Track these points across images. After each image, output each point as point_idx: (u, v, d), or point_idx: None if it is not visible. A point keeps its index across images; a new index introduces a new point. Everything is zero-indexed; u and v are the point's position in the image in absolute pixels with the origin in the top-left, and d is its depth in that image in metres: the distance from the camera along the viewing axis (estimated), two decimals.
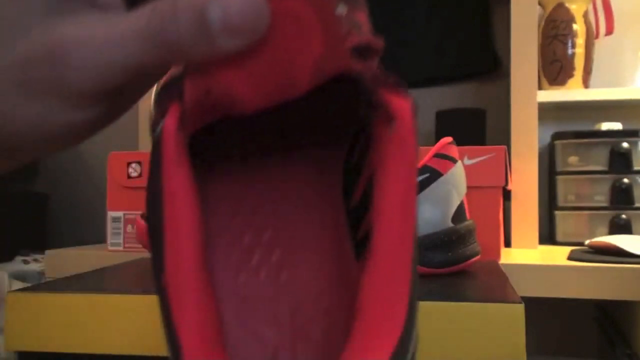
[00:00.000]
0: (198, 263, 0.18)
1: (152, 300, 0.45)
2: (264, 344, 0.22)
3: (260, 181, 0.25)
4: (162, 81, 0.22)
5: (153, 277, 0.19)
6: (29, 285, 0.85)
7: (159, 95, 0.20)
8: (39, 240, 1.30)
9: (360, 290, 0.18)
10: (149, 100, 1.04)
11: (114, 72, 0.19)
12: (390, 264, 0.18)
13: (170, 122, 0.18)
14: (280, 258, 0.24)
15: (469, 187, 0.63)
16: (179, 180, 0.18)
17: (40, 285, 0.50)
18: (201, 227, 0.18)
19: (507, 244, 0.89)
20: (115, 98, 0.21)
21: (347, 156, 0.25)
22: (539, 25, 1.01)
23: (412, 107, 0.19)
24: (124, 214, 0.84)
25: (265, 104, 0.19)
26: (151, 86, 0.23)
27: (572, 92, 0.98)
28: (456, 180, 0.59)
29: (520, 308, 0.42)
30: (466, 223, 0.59)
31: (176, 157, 0.18)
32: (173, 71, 0.21)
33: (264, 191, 0.25)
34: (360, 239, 0.23)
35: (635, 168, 0.93)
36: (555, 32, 0.99)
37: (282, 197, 0.25)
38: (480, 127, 1.01)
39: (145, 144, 1.04)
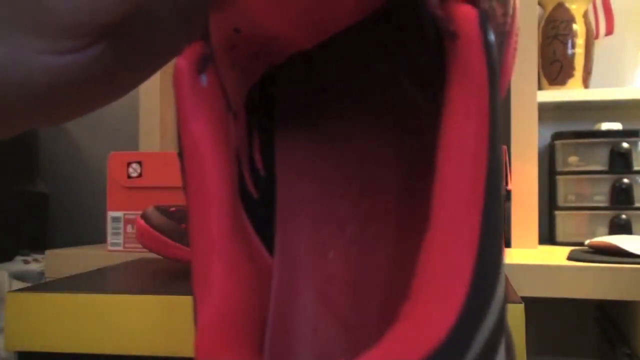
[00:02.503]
0: (224, 235, 0.15)
1: (152, 300, 0.45)
2: (347, 329, 0.19)
3: (360, 141, 0.21)
4: None
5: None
6: (29, 285, 0.85)
7: None
8: (39, 240, 1.30)
9: (416, 266, 0.14)
10: (148, 99, 1.04)
11: (110, 1, 0.15)
12: (446, 232, 0.13)
13: (182, 61, 0.15)
14: (376, 231, 0.20)
15: None
16: (197, 130, 0.15)
17: (40, 285, 0.50)
18: (230, 182, 0.15)
19: (507, 244, 0.89)
20: (114, 40, 0.17)
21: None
22: (539, 25, 1.01)
23: (479, 17, 0.13)
24: (124, 214, 0.84)
25: (312, 36, 0.16)
26: (169, 33, 0.19)
27: (572, 92, 0.98)
28: None
29: (520, 308, 0.41)
30: None
31: (192, 103, 0.15)
32: None
33: (363, 152, 0.21)
34: None
35: (635, 168, 0.93)
36: (555, 32, 0.99)
37: (384, 159, 0.21)
38: None
39: (145, 144, 1.04)
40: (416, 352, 0.12)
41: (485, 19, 0.13)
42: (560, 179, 0.97)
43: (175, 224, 0.56)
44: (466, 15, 0.14)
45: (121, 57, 0.18)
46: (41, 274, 1.11)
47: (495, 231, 0.14)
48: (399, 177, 0.21)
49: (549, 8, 1.01)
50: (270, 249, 0.20)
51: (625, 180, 0.93)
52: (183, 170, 0.15)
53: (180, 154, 0.15)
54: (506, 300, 0.14)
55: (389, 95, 0.22)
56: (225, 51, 0.16)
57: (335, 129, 0.22)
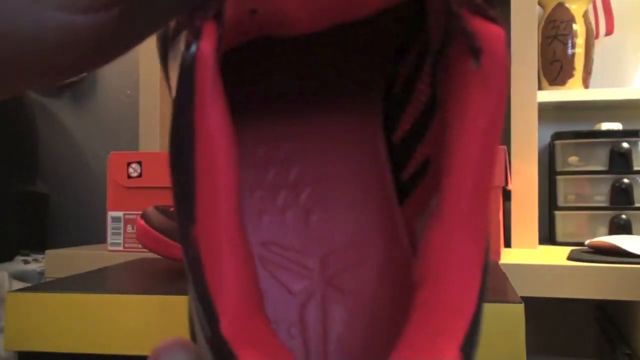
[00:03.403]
0: (235, 215, 0.15)
1: (152, 300, 0.45)
2: (292, 294, 0.19)
3: (287, 110, 0.22)
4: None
5: (179, 229, 0.16)
6: (29, 285, 0.85)
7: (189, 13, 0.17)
8: (39, 240, 1.30)
9: (426, 252, 0.15)
10: (148, 99, 1.04)
11: None
12: (465, 228, 0.15)
13: (206, 45, 0.15)
14: (309, 198, 0.21)
15: None
16: (214, 118, 0.15)
17: (40, 285, 0.50)
18: (238, 173, 0.15)
19: (507, 244, 0.89)
20: (127, 4, 0.17)
21: (387, 84, 0.22)
22: (539, 25, 1.01)
23: (504, 37, 0.15)
24: (124, 214, 0.84)
25: (319, 26, 0.17)
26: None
27: (572, 92, 0.98)
28: None
29: (520, 308, 0.41)
30: None
31: (212, 90, 0.15)
32: None
33: (291, 121, 0.22)
34: (405, 180, 0.20)
35: (635, 168, 0.93)
36: (555, 32, 0.99)
37: (312, 129, 0.22)
38: None
39: (145, 144, 1.04)
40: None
41: (507, 40, 0.15)
42: (560, 179, 0.97)
43: (175, 224, 0.56)
44: (492, 34, 0.15)
45: (129, 23, 0.18)
46: (41, 274, 1.11)
47: (488, 235, 0.15)
48: (329, 143, 0.22)
49: (549, 8, 1.01)
50: None
51: (625, 180, 0.93)
52: (184, 157, 0.15)
53: (180, 142, 0.15)
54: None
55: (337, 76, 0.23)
56: (233, 30, 0.16)
57: (270, 92, 0.22)
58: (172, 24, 0.23)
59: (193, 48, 0.15)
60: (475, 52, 0.15)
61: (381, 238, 0.20)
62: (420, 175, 0.19)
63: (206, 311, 0.15)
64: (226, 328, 0.14)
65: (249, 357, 0.14)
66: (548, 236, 1.00)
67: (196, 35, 0.15)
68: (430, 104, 0.19)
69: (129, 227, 0.84)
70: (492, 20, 0.15)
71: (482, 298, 0.15)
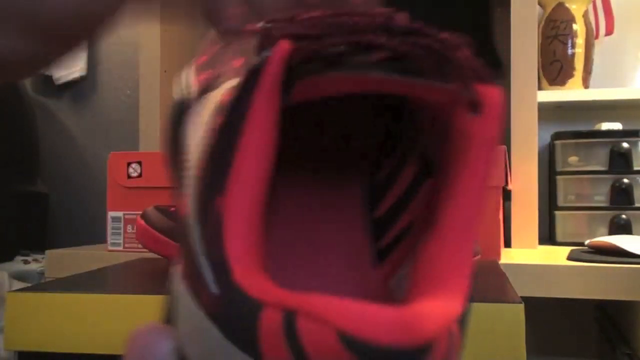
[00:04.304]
0: (261, 201, 0.17)
1: (152, 300, 0.45)
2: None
3: (277, 180, 0.24)
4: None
5: (200, 198, 0.18)
6: (29, 285, 0.85)
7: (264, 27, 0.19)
8: (39, 240, 1.29)
9: (425, 252, 0.18)
10: (148, 98, 1.04)
11: None
12: (460, 238, 0.18)
13: (279, 54, 0.17)
14: (294, 263, 0.23)
15: None
16: (267, 113, 0.17)
17: (40, 285, 0.50)
18: (272, 172, 0.18)
19: (507, 244, 0.89)
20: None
21: (373, 168, 0.24)
22: (539, 25, 1.01)
23: (501, 93, 0.18)
24: (124, 214, 0.84)
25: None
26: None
27: (572, 92, 0.98)
28: None
29: (520, 308, 0.41)
30: None
31: (271, 92, 0.17)
32: None
33: (279, 190, 0.24)
34: (383, 247, 0.23)
35: (635, 168, 0.93)
36: (555, 32, 0.99)
37: (300, 198, 0.24)
38: None
39: (145, 144, 1.04)
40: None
41: (504, 99, 0.18)
42: (560, 179, 0.97)
43: (175, 224, 0.56)
44: (495, 94, 0.18)
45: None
46: (41, 274, 1.11)
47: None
48: (314, 213, 0.24)
49: (549, 8, 1.01)
50: None
51: (625, 180, 0.93)
52: (231, 134, 0.17)
53: (231, 122, 0.17)
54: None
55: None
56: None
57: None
58: (195, 84, 0.25)
59: (265, 53, 0.17)
60: (475, 106, 0.18)
61: (359, 297, 0.22)
62: (399, 240, 0.22)
63: (217, 270, 0.16)
64: (240, 277, 0.16)
65: (257, 289, 0.15)
66: (548, 236, 1.00)
67: (272, 44, 0.17)
68: (417, 179, 0.21)
69: (129, 227, 0.84)
70: (490, 82, 0.18)
71: (471, 284, 0.17)
